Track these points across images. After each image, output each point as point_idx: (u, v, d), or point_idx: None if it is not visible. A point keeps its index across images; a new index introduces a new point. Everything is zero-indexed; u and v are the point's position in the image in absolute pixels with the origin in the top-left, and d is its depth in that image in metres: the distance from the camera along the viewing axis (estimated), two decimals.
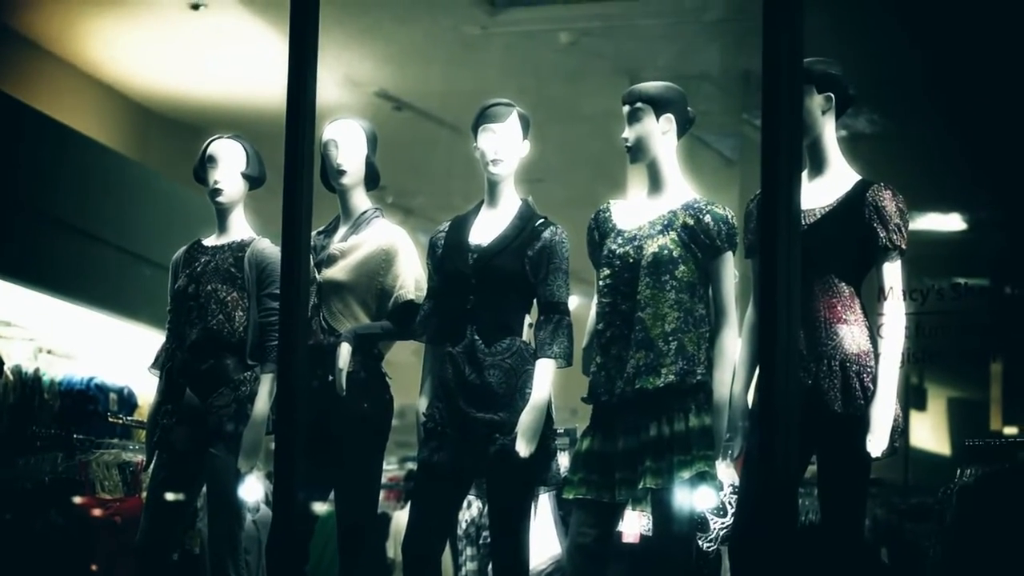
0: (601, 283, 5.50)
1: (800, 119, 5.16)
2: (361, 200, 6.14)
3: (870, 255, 5.36)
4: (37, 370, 8.29)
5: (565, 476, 5.62)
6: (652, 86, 5.54)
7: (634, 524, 5.53)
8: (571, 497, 5.45)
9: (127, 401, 8.50)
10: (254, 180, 6.37)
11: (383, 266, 6.02)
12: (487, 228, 5.71)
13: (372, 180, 6.18)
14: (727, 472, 6.12)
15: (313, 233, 5.87)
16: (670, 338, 5.33)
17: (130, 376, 8.55)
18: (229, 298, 6.18)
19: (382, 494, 8.12)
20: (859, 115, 10.84)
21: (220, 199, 6.30)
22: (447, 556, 7.81)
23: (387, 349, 6.10)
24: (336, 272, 6.01)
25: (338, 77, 11.56)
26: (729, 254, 5.43)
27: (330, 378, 5.82)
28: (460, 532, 7.82)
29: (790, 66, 3.98)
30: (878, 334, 5.33)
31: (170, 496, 6.18)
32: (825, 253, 5.30)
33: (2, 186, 9.47)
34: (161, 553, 6.22)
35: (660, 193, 5.52)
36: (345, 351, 5.83)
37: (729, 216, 5.42)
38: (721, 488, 5.79)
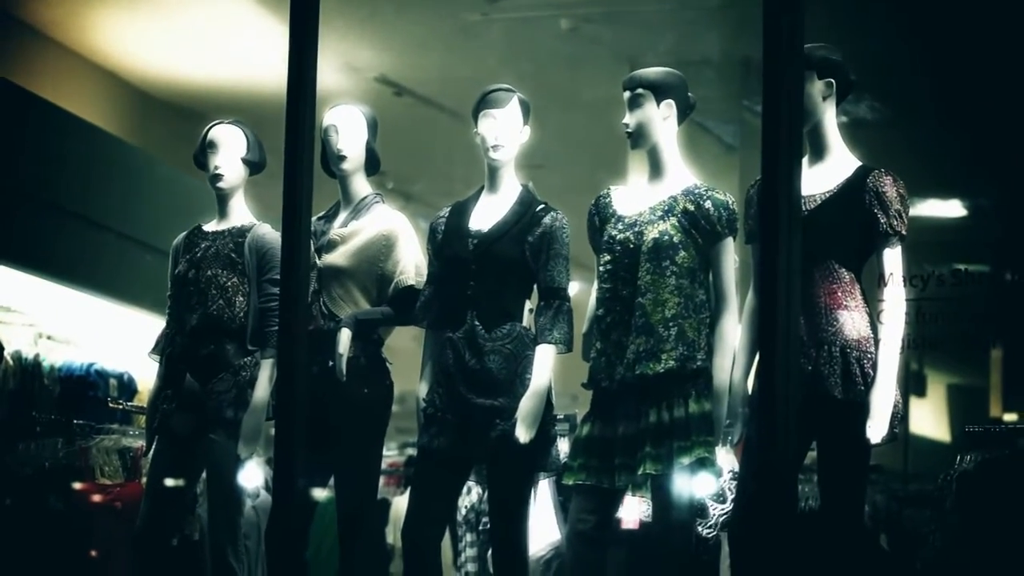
0: (601, 269, 5.51)
1: (800, 105, 5.16)
2: (361, 186, 6.15)
3: (870, 241, 5.37)
4: (37, 356, 8.28)
5: (565, 462, 5.62)
6: (653, 72, 5.54)
7: (633, 510, 5.54)
8: (571, 483, 5.45)
9: (127, 387, 8.50)
10: (254, 165, 6.37)
11: (383, 252, 6.02)
12: (487, 214, 5.71)
13: (372, 166, 6.18)
14: (727, 458, 6.13)
15: (313, 218, 5.87)
16: (670, 324, 5.33)
17: (130, 362, 8.55)
18: (229, 283, 6.18)
19: (382, 480, 8.12)
20: (860, 101, 10.83)
21: (220, 184, 6.31)
22: (447, 542, 7.82)
23: (387, 335, 6.10)
24: (336, 258, 6.01)
25: (338, 63, 11.54)
26: (729, 240, 5.43)
27: (330, 364, 5.83)
28: (460, 518, 7.82)
29: (790, 52, 3.98)
30: (878, 320, 5.33)
31: (170, 482, 6.19)
32: (825, 239, 5.30)
33: (2, 172, 9.46)
34: (161, 539, 6.23)
35: (660, 179, 5.52)
36: (345, 337, 5.83)
37: (729, 202, 5.43)
38: (720, 474, 5.80)
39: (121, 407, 8.01)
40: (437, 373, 5.69)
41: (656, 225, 5.40)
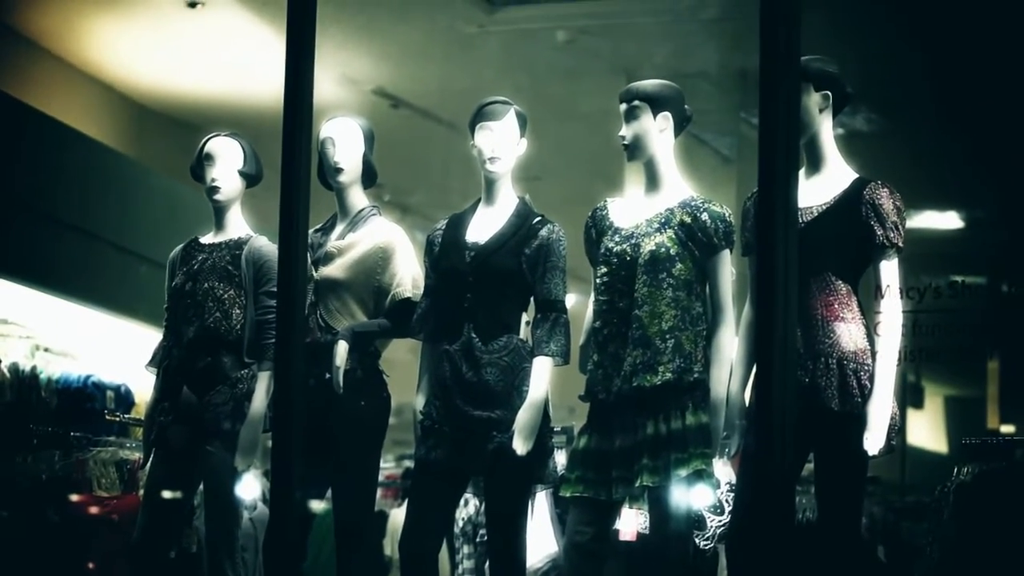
0: (598, 281, 5.51)
1: (797, 117, 5.15)
2: (358, 198, 6.15)
3: (867, 253, 5.36)
4: (34, 368, 8.28)
5: (562, 474, 5.63)
6: (649, 84, 5.55)
7: (631, 522, 5.54)
8: (568, 495, 5.45)
9: (124, 399, 8.49)
10: (251, 178, 6.37)
11: (380, 264, 6.02)
12: (484, 226, 5.71)
13: (369, 178, 6.18)
14: (724, 470, 6.13)
15: (310, 231, 5.87)
16: (667, 336, 5.33)
17: (127, 374, 8.54)
18: (226, 296, 6.18)
19: (379, 492, 8.11)
20: (856, 113, 10.84)
21: (217, 197, 6.31)
22: (444, 554, 7.82)
23: (384, 347, 6.10)
24: (333, 270, 6.01)
25: (335, 75, 11.55)
26: (726, 252, 5.43)
27: (327, 376, 5.82)
28: (457, 530, 7.81)
29: (787, 64, 3.99)
30: (875, 332, 5.33)
31: (167, 494, 6.18)
32: (822, 251, 5.30)
33: None
34: (158, 551, 6.22)
35: (657, 191, 5.52)
36: (342, 349, 5.83)
37: (726, 214, 5.43)
38: (718, 486, 5.80)
39: (118, 419, 8.00)
40: (434, 385, 5.69)
41: (653, 237, 5.40)
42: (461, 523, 7.77)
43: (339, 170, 6.06)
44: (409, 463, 9.64)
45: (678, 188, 5.52)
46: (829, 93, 5.44)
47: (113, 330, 10.37)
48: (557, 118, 11.27)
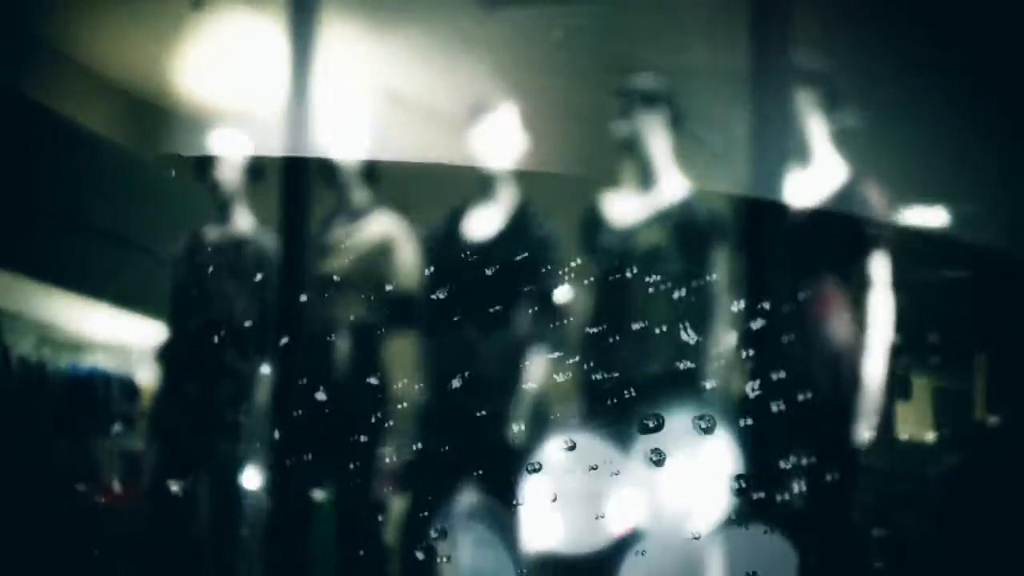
0: (594, 276, 5.57)
1: (790, 114, 5.23)
2: (359, 194, 6.20)
3: (858, 247, 5.42)
4: (41, 359, 8.34)
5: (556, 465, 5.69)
6: (645, 81, 5.60)
7: (626, 511, 5.61)
8: (564, 486, 5.51)
9: (130, 390, 8.54)
10: (255, 172, 6.43)
11: (380, 259, 6.07)
12: (483, 221, 5.77)
13: (370, 174, 6.23)
14: (718, 460, 6.19)
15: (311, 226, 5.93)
16: (662, 331, 5.39)
17: (132, 366, 8.59)
18: (230, 289, 6.24)
19: (380, 481, 8.16)
20: (848, 109, 10.88)
21: (221, 191, 6.37)
22: (443, 543, 7.87)
23: (385, 340, 6.15)
24: (334, 264, 6.06)
25: (336, 73, 11.59)
26: (721, 247, 5.49)
27: (328, 368, 5.87)
28: (456, 518, 7.88)
29: (780, 61, 4.06)
30: (865, 325, 5.38)
31: (172, 486, 6.24)
32: (814, 246, 5.36)
33: (3, 181, 9.51)
34: (162, 541, 6.28)
35: (652, 187, 5.59)
36: (343, 343, 5.89)
37: (721, 210, 5.49)
38: (713, 477, 5.86)
39: (124, 411, 8.05)
40: (433, 377, 5.76)
41: (648, 233, 5.47)
42: (460, 511, 7.84)
43: (339, 166, 6.12)
44: (410, 453, 9.68)
45: (673, 184, 5.58)
46: (822, 89, 5.50)
47: (119, 322, 10.41)
48: (554, 114, 11.31)
